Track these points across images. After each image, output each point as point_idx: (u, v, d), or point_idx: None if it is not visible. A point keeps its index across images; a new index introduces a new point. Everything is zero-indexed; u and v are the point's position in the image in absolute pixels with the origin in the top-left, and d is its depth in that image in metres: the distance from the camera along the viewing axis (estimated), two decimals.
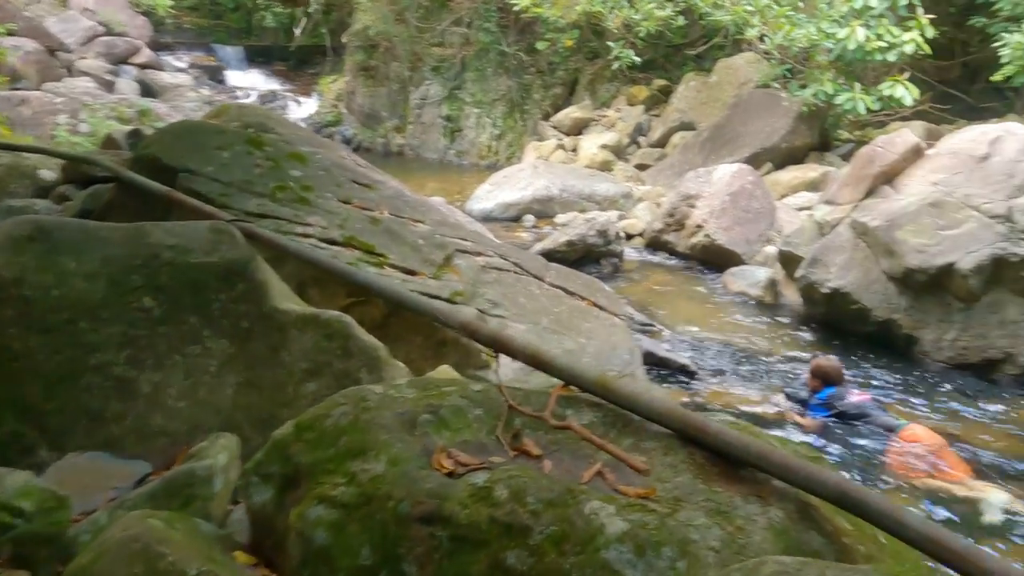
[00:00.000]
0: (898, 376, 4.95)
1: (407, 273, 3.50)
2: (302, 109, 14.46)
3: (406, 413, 1.53)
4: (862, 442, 3.82)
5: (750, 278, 6.59)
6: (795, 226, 6.66)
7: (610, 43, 11.01)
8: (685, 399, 4.23)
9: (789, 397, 4.33)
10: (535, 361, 1.67)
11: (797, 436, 3.87)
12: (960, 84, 11.26)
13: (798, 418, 4.12)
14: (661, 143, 11.04)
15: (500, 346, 1.71)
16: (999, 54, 8.55)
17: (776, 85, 9.60)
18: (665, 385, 4.51)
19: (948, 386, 4.79)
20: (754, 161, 9.20)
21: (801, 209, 7.88)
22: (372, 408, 1.53)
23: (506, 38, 12.58)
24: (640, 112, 11.97)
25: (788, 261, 6.19)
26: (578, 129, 12.12)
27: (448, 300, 3.48)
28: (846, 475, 1.77)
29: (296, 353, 2.14)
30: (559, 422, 1.45)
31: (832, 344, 5.42)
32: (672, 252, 7.70)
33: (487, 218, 8.70)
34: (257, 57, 16.11)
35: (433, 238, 3.82)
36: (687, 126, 10.73)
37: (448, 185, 11.24)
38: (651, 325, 5.59)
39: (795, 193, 8.83)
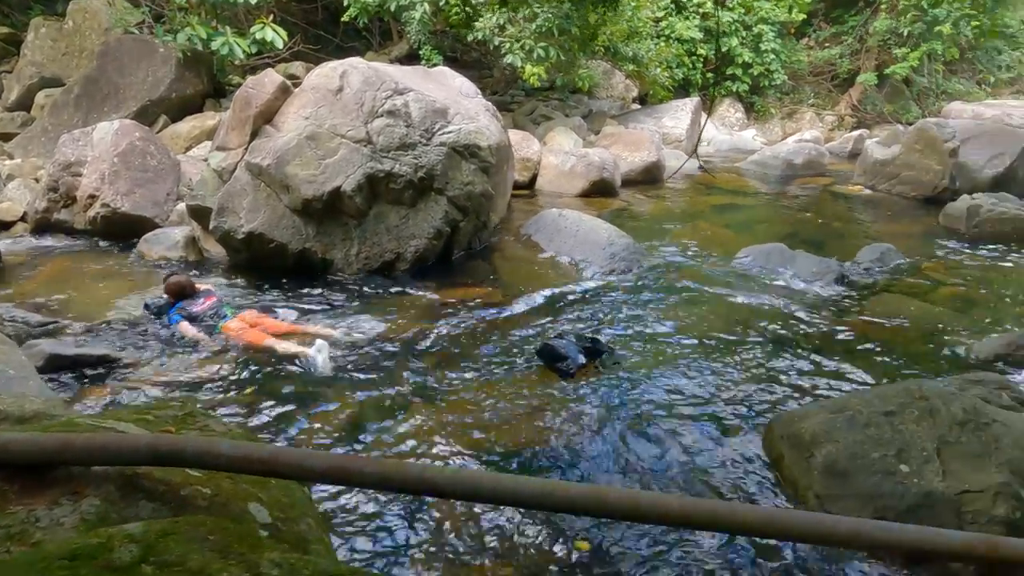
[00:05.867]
0: (323, 296, 5.41)
1: None
2: None
3: None
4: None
5: (167, 241, 6.17)
6: (199, 178, 6.44)
7: None
8: (99, 398, 3.72)
9: (147, 307, 4.81)
10: None
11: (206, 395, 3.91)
12: (327, 26, 12.51)
13: (174, 328, 4.62)
14: (24, 105, 9.15)
15: None
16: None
17: (135, 30, 8.86)
18: (83, 385, 3.89)
19: (363, 292, 5.48)
20: (145, 115, 8.50)
21: (206, 159, 7.68)
22: None
23: None
24: None
25: (199, 214, 5.99)
26: None
27: None
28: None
29: None
30: None
31: (261, 283, 5.55)
32: (71, 232, 6.61)
33: None
34: None
35: None
36: (52, 82, 9.11)
37: None
38: (54, 323, 4.71)
39: (199, 144, 8.56)
